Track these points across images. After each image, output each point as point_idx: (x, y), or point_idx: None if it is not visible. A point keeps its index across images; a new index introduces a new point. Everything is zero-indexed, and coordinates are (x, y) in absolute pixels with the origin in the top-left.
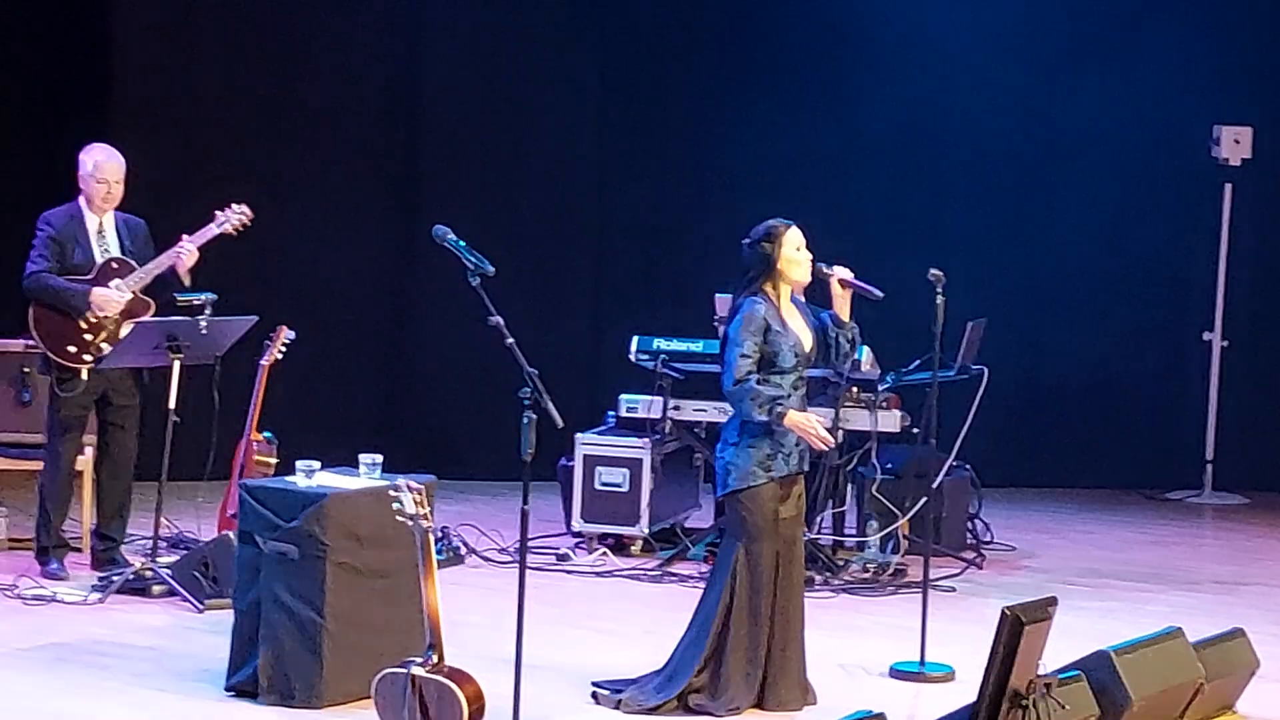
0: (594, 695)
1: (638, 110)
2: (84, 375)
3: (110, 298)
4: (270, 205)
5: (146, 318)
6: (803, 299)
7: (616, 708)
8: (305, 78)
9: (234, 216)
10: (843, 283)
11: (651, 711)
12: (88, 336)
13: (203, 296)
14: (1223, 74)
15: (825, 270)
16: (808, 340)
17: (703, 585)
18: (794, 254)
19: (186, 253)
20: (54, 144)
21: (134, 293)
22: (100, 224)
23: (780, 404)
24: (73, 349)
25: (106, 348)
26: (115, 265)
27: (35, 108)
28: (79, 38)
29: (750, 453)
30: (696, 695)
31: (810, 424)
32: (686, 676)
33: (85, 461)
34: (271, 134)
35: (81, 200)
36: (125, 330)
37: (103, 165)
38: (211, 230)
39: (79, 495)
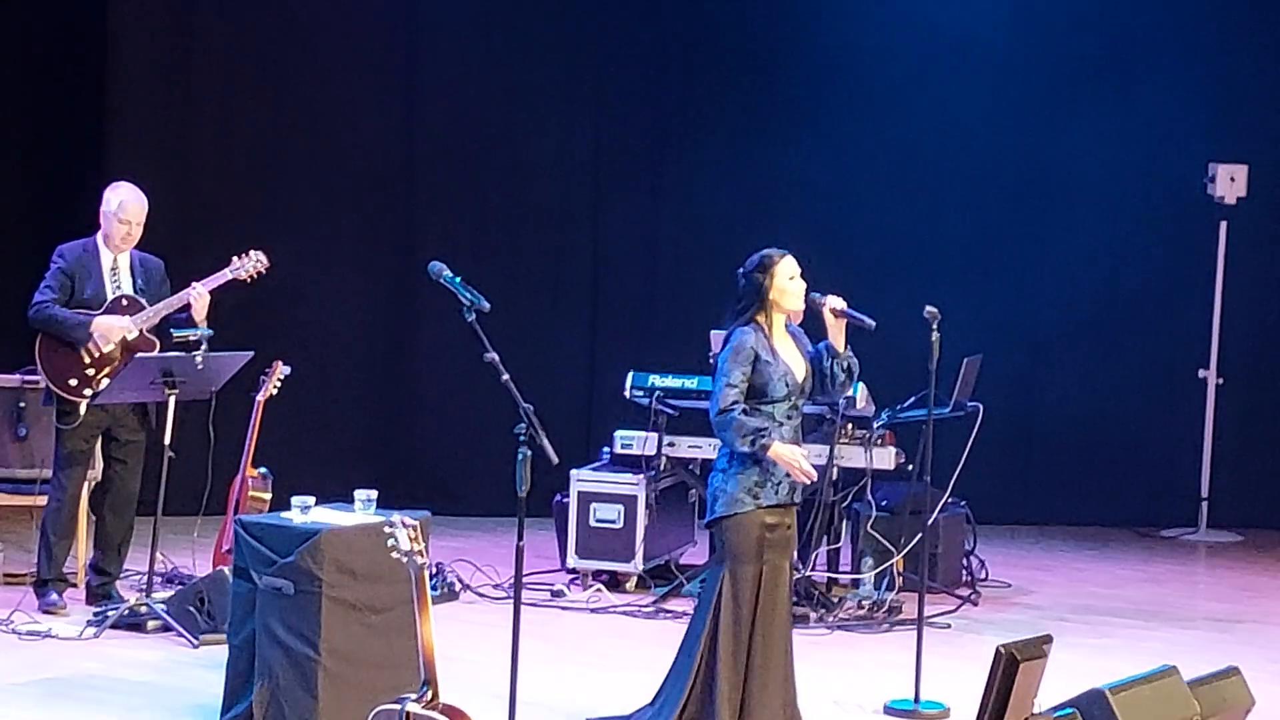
0: None
1: (633, 145)
2: (82, 409)
3: (111, 325)
4: (266, 240)
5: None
6: (799, 329)
7: None
8: (301, 114)
9: (250, 264)
10: (835, 312)
11: None
12: (90, 371)
13: (198, 332)
14: (1218, 112)
15: (818, 300)
16: (800, 370)
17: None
18: (786, 283)
19: (197, 295)
20: (53, 181)
21: (141, 331)
22: (115, 261)
23: (765, 435)
24: (74, 382)
25: (107, 383)
26: (125, 303)
27: (35, 144)
28: (78, 73)
29: (739, 480)
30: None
31: (794, 457)
32: (675, 707)
33: (83, 496)
34: (267, 170)
35: (99, 236)
36: None
37: (127, 205)
38: (225, 275)
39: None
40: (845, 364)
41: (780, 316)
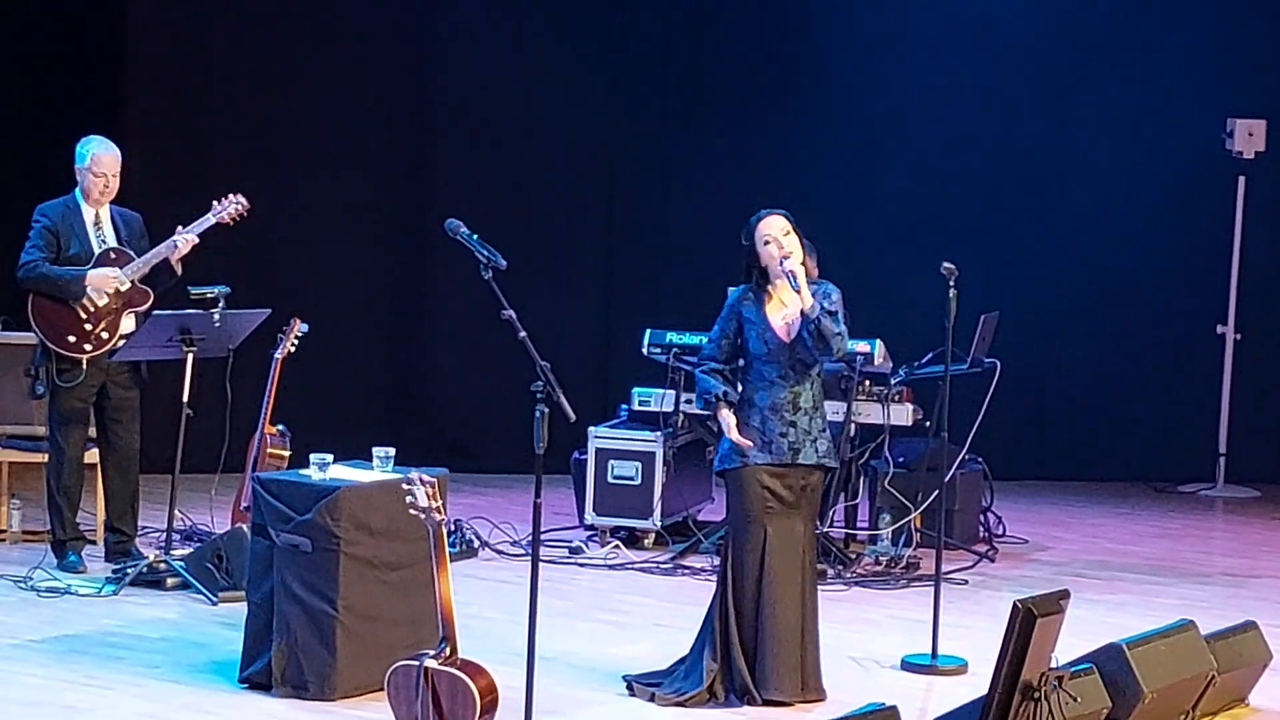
0: (629, 687)
1: (649, 102)
2: (84, 366)
3: (106, 276)
4: (283, 198)
5: (145, 307)
6: (828, 286)
7: (651, 700)
8: (318, 71)
9: (230, 206)
10: (789, 274)
11: (682, 704)
12: (87, 326)
13: (216, 290)
14: (1236, 67)
15: (779, 267)
16: (783, 333)
17: (715, 578)
18: (760, 247)
19: (184, 242)
20: (64, 139)
21: (133, 282)
22: (97, 216)
23: (714, 400)
24: (72, 338)
25: (106, 336)
26: (113, 255)
27: (45, 104)
28: (89, 32)
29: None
30: (717, 688)
31: (725, 425)
32: (701, 667)
33: (95, 454)
34: (284, 127)
35: (78, 192)
36: (126, 320)
37: (100, 158)
38: (208, 220)
39: (90, 488)
40: (812, 326)
41: (776, 277)
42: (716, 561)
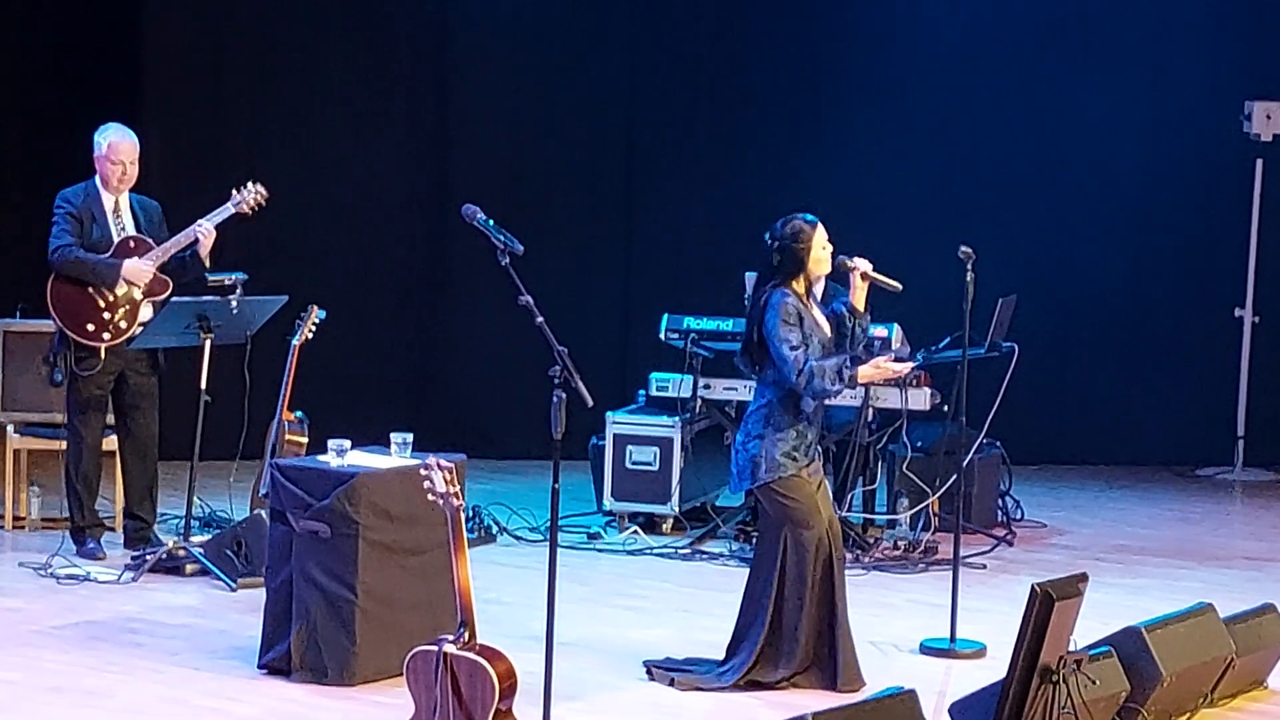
0: (648, 671)
1: (667, 88)
2: (102, 354)
3: (141, 268)
4: (301, 186)
5: (163, 296)
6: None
7: (670, 685)
8: (336, 56)
9: (250, 196)
10: (864, 275)
11: (702, 689)
12: (106, 315)
13: (233, 276)
14: (1254, 48)
15: (848, 263)
16: (826, 329)
17: (734, 564)
18: (821, 253)
19: (204, 233)
20: (88, 127)
21: (153, 271)
22: (116, 203)
23: (847, 365)
24: (91, 326)
25: (125, 325)
26: (133, 243)
27: (64, 89)
28: (107, 14)
29: (778, 444)
30: (755, 672)
31: (881, 369)
32: (740, 670)
33: (114, 442)
34: (301, 113)
35: (97, 180)
36: (144, 309)
37: (117, 146)
38: (227, 210)
39: (109, 475)
40: (864, 324)
41: (809, 282)
42: (736, 547)
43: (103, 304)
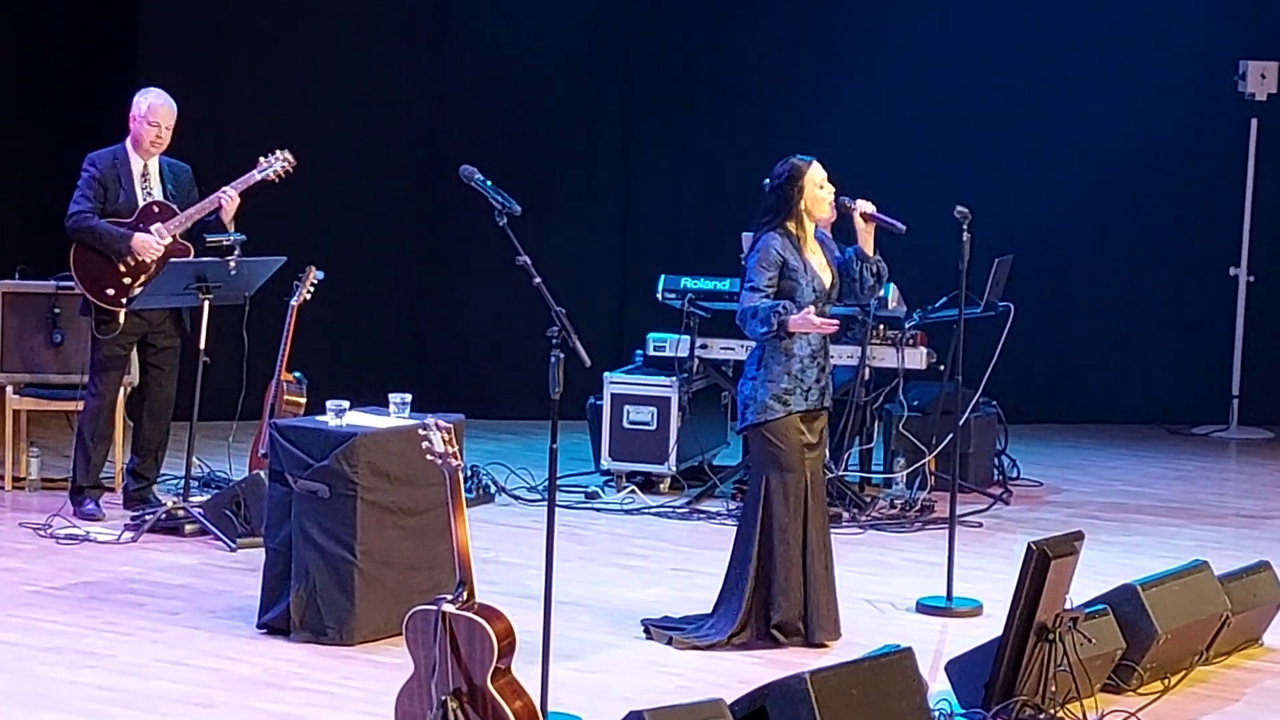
0: (646, 630)
1: (664, 46)
2: (121, 318)
3: (150, 244)
4: (299, 146)
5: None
6: (829, 234)
7: (668, 644)
8: (339, 21)
9: (278, 163)
10: (865, 216)
11: (699, 649)
12: (126, 280)
13: (232, 237)
14: (1249, 8)
15: (848, 204)
16: (827, 276)
17: (731, 523)
18: (816, 191)
19: (228, 199)
20: (88, 88)
21: (174, 237)
22: (145, 167)
23: (781, 311)
24: (111, 291)
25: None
26: (157, 209)
27: (70, 51)
28: None
29: (768, 387)
30: (742, 635)
31: (808, 320)
32: (733, 620)
33: (119, 401)
34: (302, 75)
35: (128, 142)
36: None
37: (157, 109)
38: (254, 176)
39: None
40: (874, 268)
41: (811, 224)
42: (734, 506)
43: (123, 270)
